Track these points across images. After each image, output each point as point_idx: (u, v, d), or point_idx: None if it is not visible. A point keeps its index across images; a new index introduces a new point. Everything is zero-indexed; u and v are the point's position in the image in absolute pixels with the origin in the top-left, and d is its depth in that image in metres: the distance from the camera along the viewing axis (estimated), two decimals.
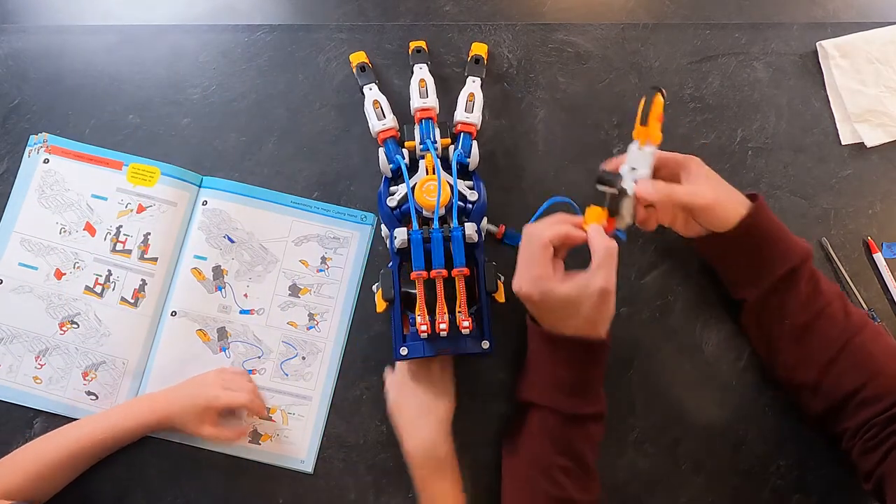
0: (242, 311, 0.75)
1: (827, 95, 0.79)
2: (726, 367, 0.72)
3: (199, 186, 0.77)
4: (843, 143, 0.78)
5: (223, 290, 0.75)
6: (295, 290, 0.75)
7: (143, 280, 0.74)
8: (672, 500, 0.71)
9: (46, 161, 0.77)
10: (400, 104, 0.75)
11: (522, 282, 0.63)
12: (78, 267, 0.75)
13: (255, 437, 0.72)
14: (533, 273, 0.62)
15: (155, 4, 0.84)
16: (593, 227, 0.63)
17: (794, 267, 0.65)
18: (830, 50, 0.79)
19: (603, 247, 0.61)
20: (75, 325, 0.73)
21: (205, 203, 0.76)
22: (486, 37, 0.81)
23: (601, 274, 0.60)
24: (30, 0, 0.86)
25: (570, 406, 0.64)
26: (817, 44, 0.79)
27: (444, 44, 0.81)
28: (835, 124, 0.78)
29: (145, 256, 0.75)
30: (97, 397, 0.72)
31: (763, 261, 0.66)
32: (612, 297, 0.61)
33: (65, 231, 0.75)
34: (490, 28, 0.81)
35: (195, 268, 0.75)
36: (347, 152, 0.78)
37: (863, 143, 0.77)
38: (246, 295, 0.75)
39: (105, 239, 0.75)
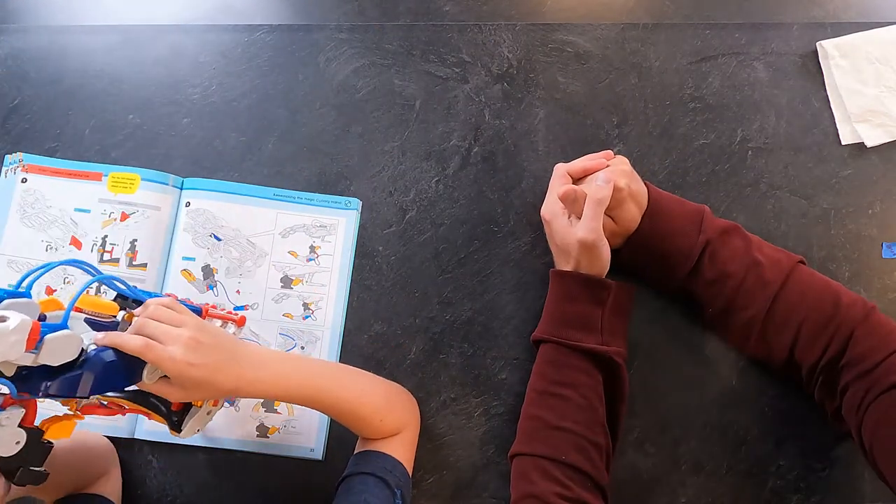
0: (236, 308, 0.75)
1: (827, 95, 0.79)
2: (726, 367, 0.72)
3: (181, 188, 0.77)
4: (843, 143, 0.78)
5: (214, 288, 0.75)
6: (287, 282, 0.75)
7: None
8: (672, 500, 0.71)
9: (24, 180, 0.77)
10: (399, 103, 0.75)
11: (545, 207, 0.69)
12: (68, 282, 0.74)
13: (263, 430, 0.72)
14: (548, 202, 0.69)
15: (155, 4, 0.84)
16: (600, 175, 0.65)
17: (693, 264, 0.66)
18: (830, 50, 0.79)
19: (592, 197, 0.63)
20: None
21: (188, 204, 0.76)
22: (486, 37, 0.81)
23: (583, 225, 0.63)
24: (30, 0, 0.86)
25: (569, 337, 0.65)
26: (817, 44, 0.79)
27: (444, 44, 0.81)
28: (835, 124, 0.78)
29: (134, 263, 0.75)
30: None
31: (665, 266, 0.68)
32: (597, 245, 0.64)
33: (51, 248, 0.75)
34: (490, 28, 0.81)
35: (185, 269, 0.75)
36: (347, 152, 0.78)
37: (863, 143, 0.77)
38: (238, 291, 0.75)
39: (92, 250, 0.75)
